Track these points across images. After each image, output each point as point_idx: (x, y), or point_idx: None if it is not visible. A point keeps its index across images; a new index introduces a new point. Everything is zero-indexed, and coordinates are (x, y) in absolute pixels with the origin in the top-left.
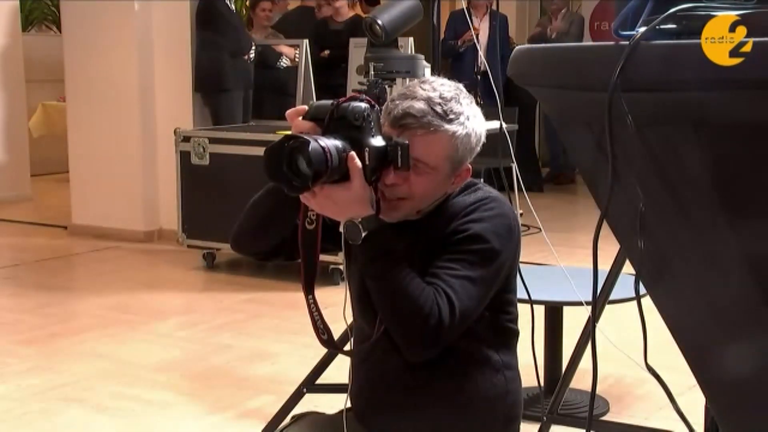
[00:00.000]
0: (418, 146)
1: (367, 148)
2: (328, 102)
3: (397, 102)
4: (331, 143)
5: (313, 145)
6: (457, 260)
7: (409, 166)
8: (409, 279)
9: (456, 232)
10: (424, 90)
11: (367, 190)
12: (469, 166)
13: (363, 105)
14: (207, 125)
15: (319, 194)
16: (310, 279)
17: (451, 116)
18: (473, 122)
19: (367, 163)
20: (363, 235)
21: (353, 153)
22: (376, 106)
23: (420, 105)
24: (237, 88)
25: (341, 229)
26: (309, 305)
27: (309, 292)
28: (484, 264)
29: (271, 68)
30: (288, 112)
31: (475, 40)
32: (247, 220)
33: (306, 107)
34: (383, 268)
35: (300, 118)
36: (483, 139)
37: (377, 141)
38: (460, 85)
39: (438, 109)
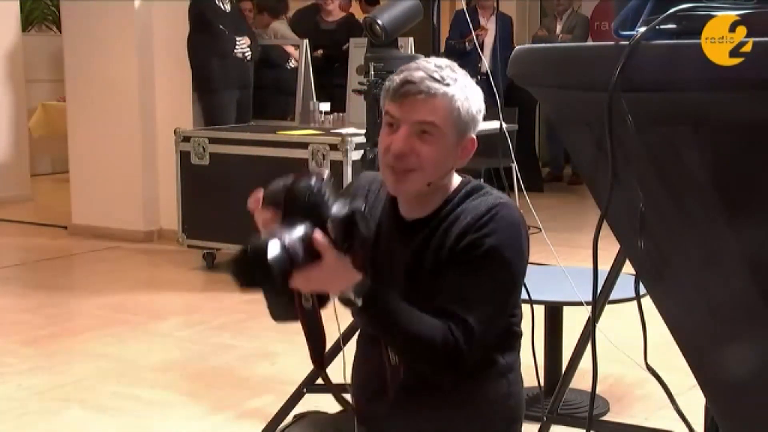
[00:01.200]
0: (421, 109)
1: (329, 222)
2: (281, 184)
3: (395, 77)
4: (294, 236)
5: (271, 252)
6: (474, 280)
7: (371, 231)
8: (416, 323)
9: (472, 246)
10: (418, 64)
11: (345, 259)
12: (474, 138)
13: (311, 182)
14: None
15: (298, 280)
16: (320, 353)
17: (449, 80)
18: (470, 89)
19: (332, 236)
20: (359, 303)
21: (317, 234)
22: (327, 173)
23: (418, 73)
24: (226, 89)
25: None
26: (324, 379)
27: (321, 366)
28: (502, 280)
29: (280, 68)
30: (249, 201)
31: (476, 41)
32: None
33: (260, 194)
34: (388, 324)
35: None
36: (483, 109)
37: (337, 210)
38: (453, 63)
39: (435, 75)
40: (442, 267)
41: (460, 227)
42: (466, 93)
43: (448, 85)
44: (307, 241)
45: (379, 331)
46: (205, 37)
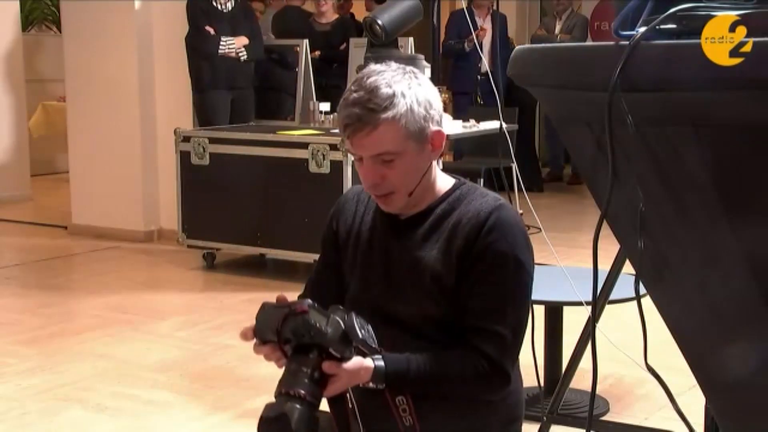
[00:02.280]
0: (370, 144)
1: (330, 349)
2: (267, 325)
3: (339, 112)
4: (306, 381)
5: (296, 423)
6: (492, 289)
7: (369, 332)
8: (442, 371)
9: (482, 256)
10: (353, 93)
11: (357, 360)
12: (439, 129)
13: (299, 319)
14: None
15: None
16: None
17: (384, 104)
18: (412, 92)
19: (339, 355)
20: (382, 387)
21: (325, 366)
22: (308, 302)
23: (354, 110)
24: (214, 89)
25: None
26: None
27: None
28: (520, 280)
29: (289, 70)
30: (240, 336)
31: (475, 41)
32: None
33: (249, 328)
34: (416, 386)
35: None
36: (435, 98)
37: (332, 331)
38: (392, 63)
39: (369, 105)
40: (448, 270)
41: (464, 232)
42: (407, 104)
43: (385, 109)
44: (318, 377)
45: (412, 392)
46: (193, 37)
